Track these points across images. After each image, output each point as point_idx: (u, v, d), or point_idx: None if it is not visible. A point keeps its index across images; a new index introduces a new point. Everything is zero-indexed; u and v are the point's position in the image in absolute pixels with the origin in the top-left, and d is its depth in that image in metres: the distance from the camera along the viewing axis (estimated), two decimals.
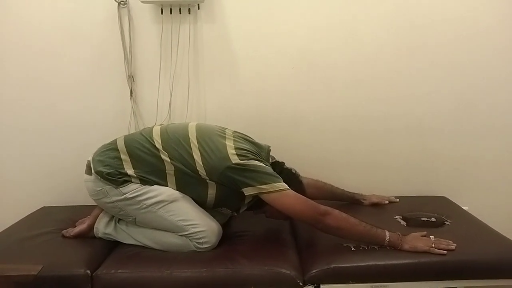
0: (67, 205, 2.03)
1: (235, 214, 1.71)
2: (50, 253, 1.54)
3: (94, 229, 1.66)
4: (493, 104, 2.03)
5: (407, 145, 2.07)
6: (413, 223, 1.71)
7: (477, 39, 1.97)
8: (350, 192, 1.93)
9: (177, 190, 1.57)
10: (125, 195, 1.55)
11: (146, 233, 1.61)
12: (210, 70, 1.99)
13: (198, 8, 1.92)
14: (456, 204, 1.93)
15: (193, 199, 1.60)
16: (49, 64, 1.96)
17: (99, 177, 1.56)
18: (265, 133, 1.96)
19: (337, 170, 2.08)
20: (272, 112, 2.01)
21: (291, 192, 1.50)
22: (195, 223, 1.54)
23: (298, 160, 1.95)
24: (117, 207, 1.58)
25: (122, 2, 1.90)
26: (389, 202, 1.95)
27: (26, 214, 1.92)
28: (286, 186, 1.50)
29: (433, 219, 1.73)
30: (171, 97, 1.99)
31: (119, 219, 1.67)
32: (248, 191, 1.49)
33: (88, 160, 1.63)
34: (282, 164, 1.70)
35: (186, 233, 1.54)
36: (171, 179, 1.56)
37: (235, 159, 1.49)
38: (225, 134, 1.60)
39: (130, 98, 1.98)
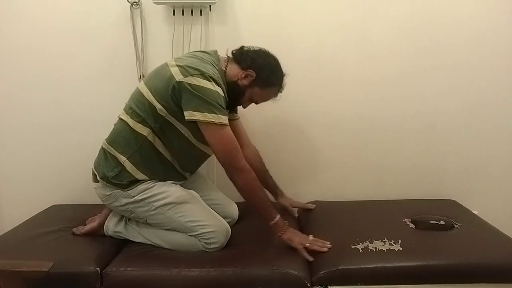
0: (77, 203, 2.05)
1: None
2: (60, 251, 1.56)
3: (104, 227, 1.68)
4: (505, 107, 2.02)
5: (417, 148, 2.07)
6: (422, 226, 1.69)
7: (488, 41, 1.96)
8: (275, 184, 1.88)
9: (169, 151, 1.58)
10: (134, 198, 1.56)
11: (155, 231, 1.62)
12: None
13: (210, 10, 1.93)
14: (466, 208, 1.91)
15: (193, 155, 1.62)
16: (61, 64, 1.99)
17: (105, 183, 1.58)
18: (275, 134, 1.97)
19: (346, 172, 2.08)
20: (282, 114, 2.01)
21: (225, 130, 1.47)
22: (204, 224, 1.56)
23: (307, 161, 1.96)
24: (128, 210, 1.60)
25: (134, 3, 1.92)
26: (304, 209, 1.90)
27: (37, 212, 1.94)
28: (221, 120, 1.46)
29: (442, 222, 1.71)
30: None
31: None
32: (186, 115, 1.47)
33: (91, 169, 1.66)
34: None
35: (195, 233, 1.56)
36: (157, 142, 1.56)
37: (179, 77, 1.45)
38: (167, 62, 1.57)
39: None
